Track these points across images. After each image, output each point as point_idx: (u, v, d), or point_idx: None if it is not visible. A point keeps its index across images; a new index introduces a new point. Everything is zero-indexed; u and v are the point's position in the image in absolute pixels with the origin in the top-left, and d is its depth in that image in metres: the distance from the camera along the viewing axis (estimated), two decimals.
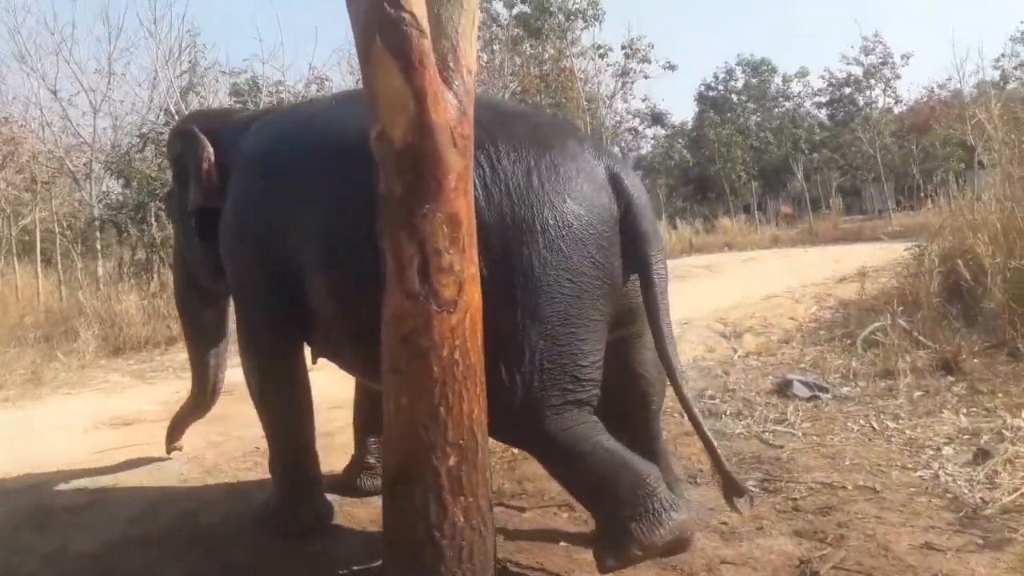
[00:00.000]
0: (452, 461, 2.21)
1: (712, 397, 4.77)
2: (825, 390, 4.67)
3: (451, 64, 2.27)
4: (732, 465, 3.49)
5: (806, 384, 4.73)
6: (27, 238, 14.98)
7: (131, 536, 3.04)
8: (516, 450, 3.89)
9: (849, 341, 5.87)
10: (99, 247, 12.37)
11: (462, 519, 2.22)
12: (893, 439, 3.82)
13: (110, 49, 12.72)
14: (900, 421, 4.07)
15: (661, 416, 2.79)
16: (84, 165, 12.41)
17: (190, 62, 14.58)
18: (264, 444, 3.24)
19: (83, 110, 12.67)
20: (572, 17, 22.31)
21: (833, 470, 3.46)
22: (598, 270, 2.39)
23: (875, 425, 4.05)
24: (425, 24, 2.15)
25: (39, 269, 13.71)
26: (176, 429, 4.08)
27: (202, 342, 3.89)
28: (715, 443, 2.48)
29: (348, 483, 3.56)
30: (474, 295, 2.27)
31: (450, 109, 2.21)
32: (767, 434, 4.01)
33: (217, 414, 4.71)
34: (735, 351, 6.25)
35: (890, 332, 5.49)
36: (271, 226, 2.82)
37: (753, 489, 2.79)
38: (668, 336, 2.44)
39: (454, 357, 2.21)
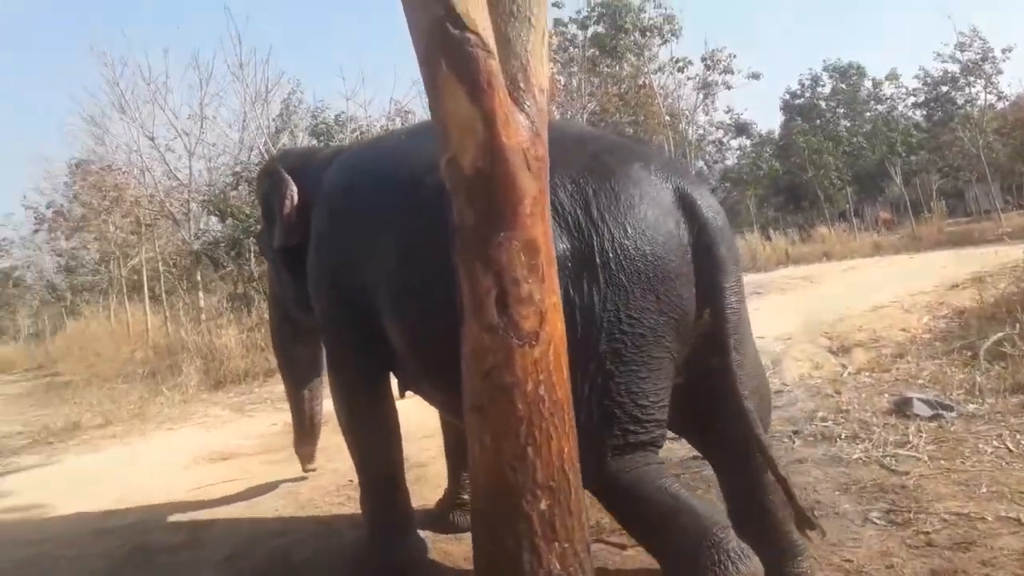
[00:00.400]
0: (544, 504, 2.06)
1: (824, 419, 4.43)
2: (949, 408, 4.27)
3: (521, 84, 2.14)
4: (851, 494, 3.27)
5: (927, 402, 4.35)
6: (135, 278, 15.83)
7: None
8: None
9: (970, 353, 5.41)
10: (200, 280, 12.86)
11: (558, 566, 2.06)
12: None
13: (201, 94, 13.30)
14: None
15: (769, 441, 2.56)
16: (181, 205, 12.96)
17: (283, 103, 15.06)
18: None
19: (179, 153, 13.26)
20: (648, 33, 21.94)
21: (968, 499, 3.12)
22: (663, 304, 2.24)
23: (1011, 446, 3.66)
24: (492, 43, 2.04)
25: (147, 306, 14.42)
26: (301, 456, 4.16)
27: (296, 376, 3.95)
28: (790, 483, 2.31)
29: (441, 518, 3.46)
30: (557, 325, 2.12)
31: (522, 131, 2.08)
32: (888, 459, 3.67)
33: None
34: (844, 367, 5.85)
35: (1018, 341, 5.05)
36: (349, 260, 2.81)
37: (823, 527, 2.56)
38: (738, 375, 2.27)
39: (539, 393, 2.06)
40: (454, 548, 3.13)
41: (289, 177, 3.22)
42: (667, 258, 2.26)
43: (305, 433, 4.04)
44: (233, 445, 5.29)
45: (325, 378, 3.89)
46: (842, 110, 31.96)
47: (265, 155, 12.56)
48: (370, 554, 2.98)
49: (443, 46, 2.03)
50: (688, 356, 2.38)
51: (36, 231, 20.65)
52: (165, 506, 3.99)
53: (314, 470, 4.23)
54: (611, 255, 2.21)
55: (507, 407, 2.06)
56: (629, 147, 2.57)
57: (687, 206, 2.34)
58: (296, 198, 3.18)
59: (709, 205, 2.38)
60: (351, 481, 3.87)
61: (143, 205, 14.05)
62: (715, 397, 2.39)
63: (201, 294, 12.75)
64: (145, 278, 14.63)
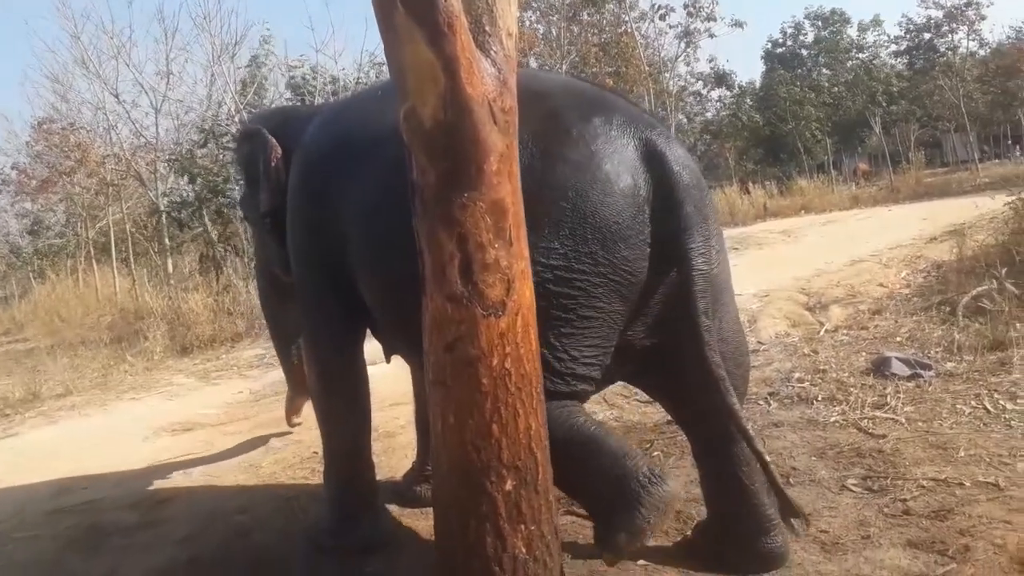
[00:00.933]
0: (509, 485, 1.95)
1: (801, 380, 4.35)
2: (927, 367, 4.21)
3: (487, 27, 1.96)
4: (828, 459, 3.19)
5: (905, 361, 4.28)
6: (103, 240, 15.46)
7: (180, 560, 2.88)
8: None
9: (948, 309, 5.36)
10: (168, 244, 12.55)
11: (523, 550, 1.95)
12: (1014, 423, 3.39)
13: (167, 48, 12.77)
14: (1019, 401, 3.63)
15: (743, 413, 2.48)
16: (148, 165, 12.58)
17: (252, 57, 14.57)
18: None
19: (146, 111, 12.80)
20: None
21: (946, 463, 3.05)
22: (600, 267, 2.15)
23: (989, 407, 3.61)
24: None
25: (114, 269, 14.10)
26: (290, 411, 4.13)
27: (284, 335, 3.88)
28: (768, 459, 2.23)
29: (408, 491, 3.34)
30: (525, 294, 1.98)
31: (487, 80, 1.91)
32: (865, 421, 3.60)
33: (278, 417, 4.61)
34: (821, 325, 5.80)
35: (996, 297, 4.99)
36: (324, 219, 2.71)
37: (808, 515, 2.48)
38: (709, 340, 2.17)
39: (505, 367, 1.94)
40: (421, 523, 3.01)
41: (272, 138, 3.10)
42: (611, 220, 2.16)
43: (298, 386, 3.93)
44: (196, 415, 5.13)
45: None
46: (823, 59, 31.71)
47: (233, 111, 12.16)
48: (331, 534, 2.85)
49: None
50: (655, 316, 2.30)
51: (1, 192, 20.10)
52: (122, 482, 3.84)
53: (300, 423, 4.16)
54: (546, 220, 2.12)
55: (471, 382, 1.94)
56: (595, 100, 2.42)
57: (651, 163, 2.22)
58: (280, 158, 3.07)
59: (676, 160, 2.25)
60: (315, 453, 3.77)
61: (109, 165, 13.63)
62: (685, 362, 2.28)
63: (169, 257, 12.43)
64: (113, 240, 14.28)
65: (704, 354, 2.16)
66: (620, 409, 4.26)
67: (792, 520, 2.30)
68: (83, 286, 14.27)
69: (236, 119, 11.49)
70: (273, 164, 3.05)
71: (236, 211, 9.82)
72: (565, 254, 2.12)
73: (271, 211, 3.08)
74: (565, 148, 2.20)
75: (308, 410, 4.16)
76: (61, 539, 3.19)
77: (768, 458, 2.21)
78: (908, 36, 30.80)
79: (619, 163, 2.20)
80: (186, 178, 12.17)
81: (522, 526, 1.95)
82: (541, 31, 20.72)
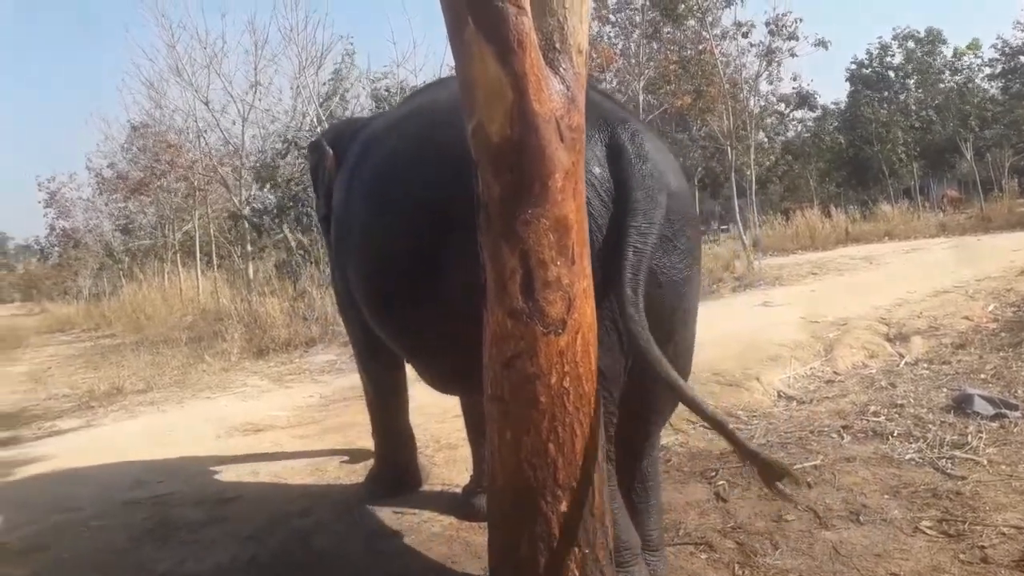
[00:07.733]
0: (564, 506, 1.92)
1: (876, 414, 4.18)
2: (1013, 407, 3.98)
3: (557, 44, 1.96)
4: (901, 498, 3.04)
5: (989, 399, 4.05)
6: (189, 242, 16.12)
7: (241, 558, 2.94)
8: None
9: None
10: (249, 249, 12.95)
11: (577, 574, 1.92)
12: None
13: (256, 59, 13.24)
14: None
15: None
16: (233, 171, 13.03)
17: (335, 70, 14.94)
18: None
19: (233, 119, 13.28)
20: None
21: None
22: None
23: None
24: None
25: (198, 271, 14.66)
26: None
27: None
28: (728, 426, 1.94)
29: (466, 504, 3.35)
30: (586, 312, 1.96)
31: (555, 97, 1.91)
32: (944, 461, 3.42)
33: (346, 422, 4.71)
34: (901, 357, 5.57)
35: None
36: (350, 231, 2.84)
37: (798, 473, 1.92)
38: (633, 315, 2.00)
39: (563, 385, 1.92)
40: (478, 538, 3.00)
41: (330, 149, 3.29)
42: None
43: None
44: (267, 417, 5.26)
45: None
46: (912, 81, 30.54)
47: (316, 121, 12.51)
48: (374, 482, 3.57)
49: (470, 2, 1.86)
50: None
51: (100, 192, 21.06)
52: (193, 478, 3.97)
53: None
54: None
55: (529, 399, 1.92)
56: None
57: (614, 155, 2.19)
58: (332, 168, 3.25)
59: (637, 152, 2.19)
60: None
61: (198, 170, 14.21)
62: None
63: (250, 261, 12.84)
64: (197, 243, 14.85)
65: (630, 328, 2.00)
66: (686, 435, 4.17)
67: (778, 484, 1.83)
68: (168, 286, 14.89)
69: (318, 130, 11.82)
70: (328, 173, 3.22)
71: (315, 219, 10.13)
72: None
73: (325, 218, 3.28)
74: None
75: (361, 418, 4.27)
76: (133, 530, 3.31)
77: (728, 424, 1.94)
78: (1004, 59, 29.42)
79: (588, 156, 2.11)
80: (268, 186, 12.56)
81: (576, 549, 1.93)
82: (620, 46, 20.59)
